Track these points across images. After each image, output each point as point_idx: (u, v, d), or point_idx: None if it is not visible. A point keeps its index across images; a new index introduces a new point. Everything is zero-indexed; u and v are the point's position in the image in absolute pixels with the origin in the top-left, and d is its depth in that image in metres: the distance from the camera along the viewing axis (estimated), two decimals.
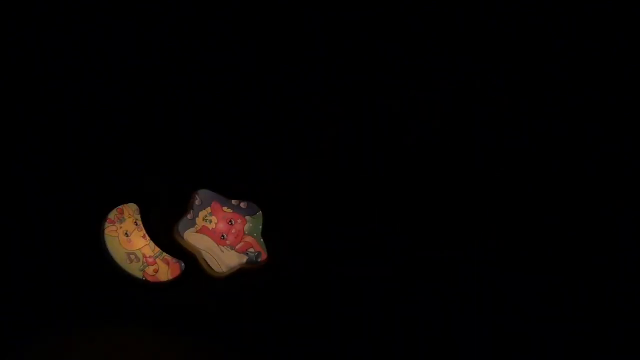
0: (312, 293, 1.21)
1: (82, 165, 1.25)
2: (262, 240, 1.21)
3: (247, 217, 1.22)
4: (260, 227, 1.22)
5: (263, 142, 1.33)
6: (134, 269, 1.21)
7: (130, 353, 1.15)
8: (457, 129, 1.38)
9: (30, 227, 1.22)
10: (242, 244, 1.21)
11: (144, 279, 1.21)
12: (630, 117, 1.39)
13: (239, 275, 1.20)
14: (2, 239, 1.21)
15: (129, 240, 1.22)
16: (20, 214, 1.22)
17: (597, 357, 1.19)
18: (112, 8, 1.36)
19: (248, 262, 1.20)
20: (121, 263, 1.21)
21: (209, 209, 1.21)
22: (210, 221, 1.21)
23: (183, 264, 1.21)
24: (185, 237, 1.20)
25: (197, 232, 1.20)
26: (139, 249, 1.22)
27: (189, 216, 1.20)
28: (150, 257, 1.22)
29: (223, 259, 1.19)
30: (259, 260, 1.20)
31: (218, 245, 1.20)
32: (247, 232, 1.21)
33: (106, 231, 1.21)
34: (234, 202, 1.22)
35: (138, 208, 1.22)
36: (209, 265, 1.19)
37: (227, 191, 1.23)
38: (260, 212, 1.23)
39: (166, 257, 1.21)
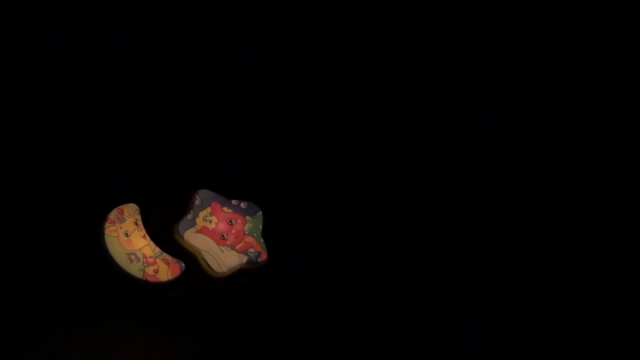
0: (312, 293, 1.21)
1: (82, 165, 1.25)
2: (262, 240, 1.21)
3: (247, 217, 1.22)
4: (260, 227, 1.22)
5: (263, 142, 1.33)
6: (134, 269, 1.21)
7: (130, 353, 1.15)
8: (457, 129, 1.38)
9: (30, 227, 1.22)
10: (242, 244, 1.21)
11: (144, 279, 1.21)
12: (630, 117, 1.39)
13: (239, 275, 1.20)
14: (2, 239, 1.21)
15: (129, 240, 1.22)
16: (20, 214, 1.22)
17: (597, 357, 1.19)
18: (112, 8, 1.36)
19: (248, 262, 1.20)
20: (121, 263, 1.21)
21: (209, 209, 1.21)
22: (210, 221, 1.21)
23: (183, 264, 1.21)
24: (185, 237, 1.20)
25: (197, 232, 1.20)
26: (139, 249, 1.22)
27: (189, 216, 1.20)
28: (150, 257, 1.22)
29: (223, 259, 1.19)
30: (259, 260, 1.20)
31: (218, 245, 1.20)
32: (247, 232, 1.21)
33: (106, 231, 1.21)
34: (234, 202, 1.22)
35: (138, 208, 1.22)
36: (209, 265, 1.19)
37: (227, 191, 1.23)
38: (260, 212, 1.23)
39: (166, 257, 1.21)
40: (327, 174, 1.31)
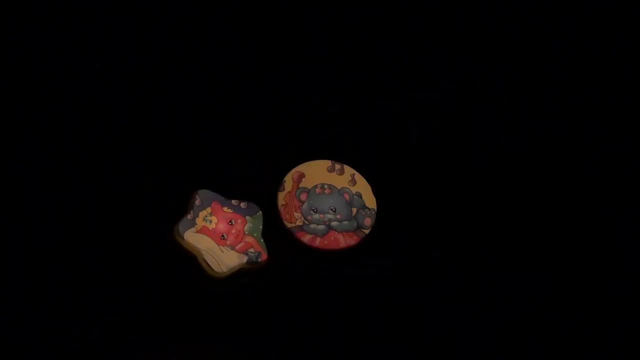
0: (312, 293, 1.21)
1: (82, 165, 1.25)
2: (262, 240, 1.21)
3: (247, 217, 1.22)
4: (260, 227, 1.22)
5: (263, 142, 1.33)
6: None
7: (130, 353, 1.15)
8: (457, 129, 1.38)
9: (30, 227, 1.22)
10: (242, 244, 1.21)
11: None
12: (630, 117, 1.39)
13: (239, 275, 1.20)
14: (2, 239, 1.21)
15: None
16: (20, 214, 1.22)
17: (597, 357, 1.19)
18: (112, 8, 1.36)
19: (248, 262, 1.20)
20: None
21: (209, 209, 1.21)
22: (210, 221, 1.21)
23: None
24: (185, 237, 1.20)
25: (197, 232, 1.20)
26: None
27: (188, 216, 1.20)
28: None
29: (223, 259, 1.19)
30: (259, 260, 1.20)
31: (218, 245, 1.20)
32: (247, 232, 1.21)
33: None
34: (234, 202, 1.22)
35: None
36: (209, 265, 1.19)
37: (227, 191, 1.23)
38: (260, 212, 1.23)
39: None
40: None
